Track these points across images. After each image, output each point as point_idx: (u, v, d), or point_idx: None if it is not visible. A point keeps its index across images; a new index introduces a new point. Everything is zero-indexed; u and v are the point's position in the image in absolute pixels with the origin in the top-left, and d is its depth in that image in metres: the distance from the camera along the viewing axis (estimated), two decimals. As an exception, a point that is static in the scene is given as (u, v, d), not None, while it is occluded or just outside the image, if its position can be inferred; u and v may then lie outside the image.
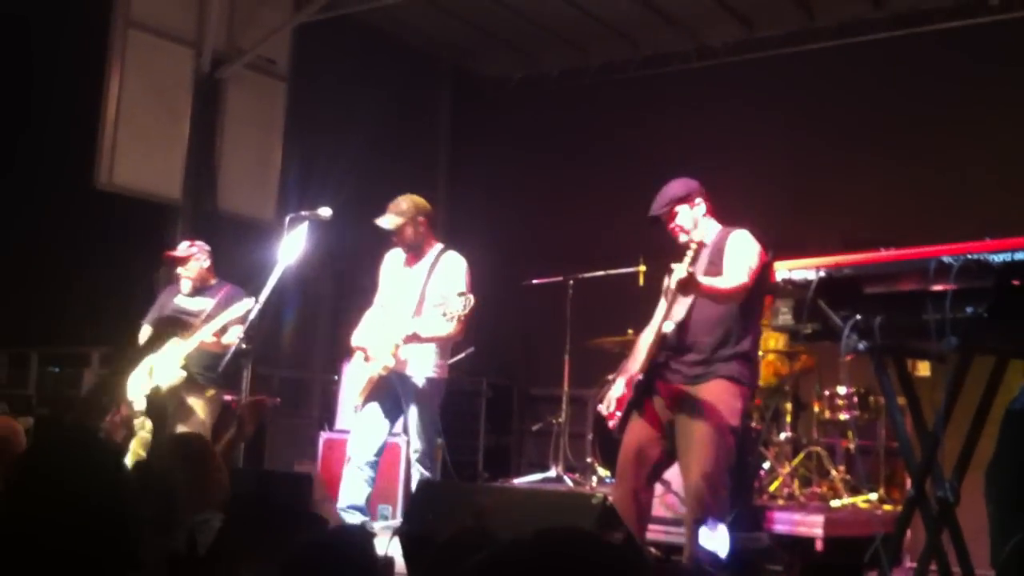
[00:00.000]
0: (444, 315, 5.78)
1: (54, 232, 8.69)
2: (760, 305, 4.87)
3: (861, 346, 3.50)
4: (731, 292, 4.55)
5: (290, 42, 9.68)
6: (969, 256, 3.20)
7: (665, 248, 4.90)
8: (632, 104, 10.60)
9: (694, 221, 4.83)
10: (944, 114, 8.98)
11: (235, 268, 7.00)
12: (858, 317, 3.49)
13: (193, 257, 6.74)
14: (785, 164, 9.62)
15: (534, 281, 8.50)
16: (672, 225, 4.86)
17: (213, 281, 6.77)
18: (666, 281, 4.68)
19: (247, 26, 9.38)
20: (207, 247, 6.83)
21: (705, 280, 4.44)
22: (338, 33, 9.73)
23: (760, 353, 8.26)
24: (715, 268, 4.64)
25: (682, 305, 4.64)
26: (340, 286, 10.13)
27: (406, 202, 6.11)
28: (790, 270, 3.71)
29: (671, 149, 9.78)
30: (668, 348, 4.66)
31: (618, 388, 4.84)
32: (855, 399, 7.79)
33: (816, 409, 8.06)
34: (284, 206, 8.60)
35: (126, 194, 8.66)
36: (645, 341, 4.86)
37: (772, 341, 8.15)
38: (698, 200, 4.89)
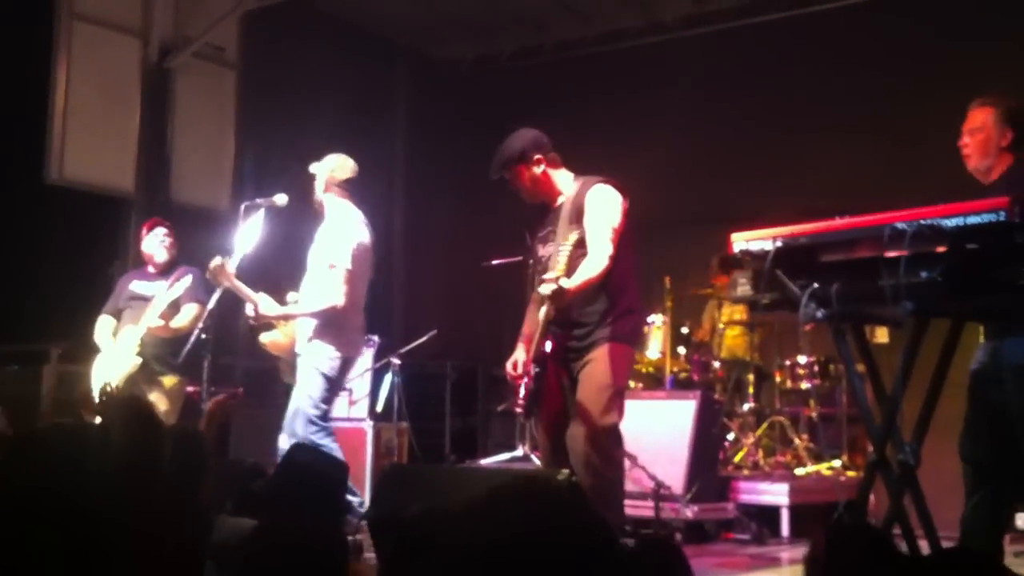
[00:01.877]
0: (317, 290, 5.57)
1: (6, 229, 8.55)
2: (630, 256, 4.71)
3: (819, 314, 3.52)
4: (603, 272, 4.44)
5: (238, 29, 9.57)
6: (922, 222, 3.23)
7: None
8: (586, 81, 10.61)
9: (533, 180, 4.74)
10: (896, 81, 9.05)
11: (192, 258, 6.93)
12: (815, 285, 3.52)
13: (170, 232, 6.73)
14: (740, 136, 9.68)
15: (494, 262, 8.49)
16: (514, 185, 4.77)
17: (172, 267, 6.70)
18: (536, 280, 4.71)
19: (194, 14, 9.27)
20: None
21: (575, 282, 4.32)
22: (287, 19, 9.64)
23: (721, 326, 8.36)
24: (576, 227, 4.54)
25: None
26: (298, 273, 10.06)
27: (325, 159, 5.80)
28: (747, 240, 3.73)
29: (627, 124, 9.82)
30: (555, 324, 4.60)
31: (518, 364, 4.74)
32: (816, 368, 7.89)
33: (778, 379, 8.16)
34: (239, 194, 8.52)
35: (78, 188, 8.56)
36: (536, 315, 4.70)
37: (738, 313, 8.22)
38: (536, 157, 4.73)
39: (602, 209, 4.60)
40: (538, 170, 4.74)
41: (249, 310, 5.62)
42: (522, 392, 4.67)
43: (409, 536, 2.57)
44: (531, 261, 4.96)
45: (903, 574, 2.10)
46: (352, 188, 5.81)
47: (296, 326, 5.66)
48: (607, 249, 4.47)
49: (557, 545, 1.35)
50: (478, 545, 1.35)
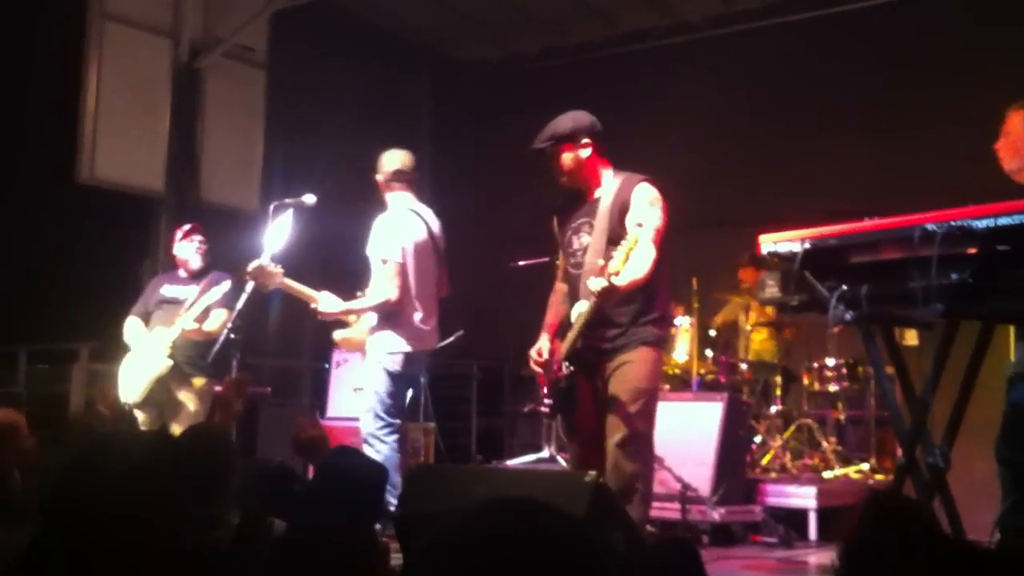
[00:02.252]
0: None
1: (38, 229, 8.64)
2: (665, 258, 4.55)
3: (848, 316, 3.51)
4: (649, 273, 4.33)
5: (267, 30, 9.63)
6: (952, 223, 3.21)
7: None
8: (611, 82, 10.58)
9: (576, 163, 4.61)
10: (923, 81, 8.99)
11: (220, 258, 6.98)
12: (844, 287, 3.50)
13: (205, 238, 6.76)
14: (767, 137, 9.64)
15: (520, 262, 8.48)
16: (554, 162, 4.64)
17: (205, 270, 6.74)
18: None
19: (223, 15, 9.32)
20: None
21: (625, 280, 4.16)
22: (315, 20, 9.69)
23: (748, 327, 8.32)
24: (616, 226, 4.42)
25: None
26: (326, 273, 10.10)
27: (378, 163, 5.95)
28: (775, 242, 3.71)
29: (651, 125, 9.78)
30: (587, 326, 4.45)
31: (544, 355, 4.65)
32: (844, 370, 7.84)
33: (805, 381, 8.11)
34: (268, 195, 8.56)
35: (109, 188, 8.62)
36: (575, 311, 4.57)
37: (763, 316, 8.19)
38: (584, 140, 4.61)
39: (647, 209, 4.49)
40: (584, 154, 4.62)
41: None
42: (546, 389, 4.62)
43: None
44: (559, 251, 4.84)
45: (944, 556, 2.07)
46: (406, 176, 5.92)
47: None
48: (652, 251, 4.35)
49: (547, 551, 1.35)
50: (467, 549, 1.36)
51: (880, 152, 9.04)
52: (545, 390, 4.63)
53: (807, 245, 3.61)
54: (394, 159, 5.90)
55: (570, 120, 4.65)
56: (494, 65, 11.73)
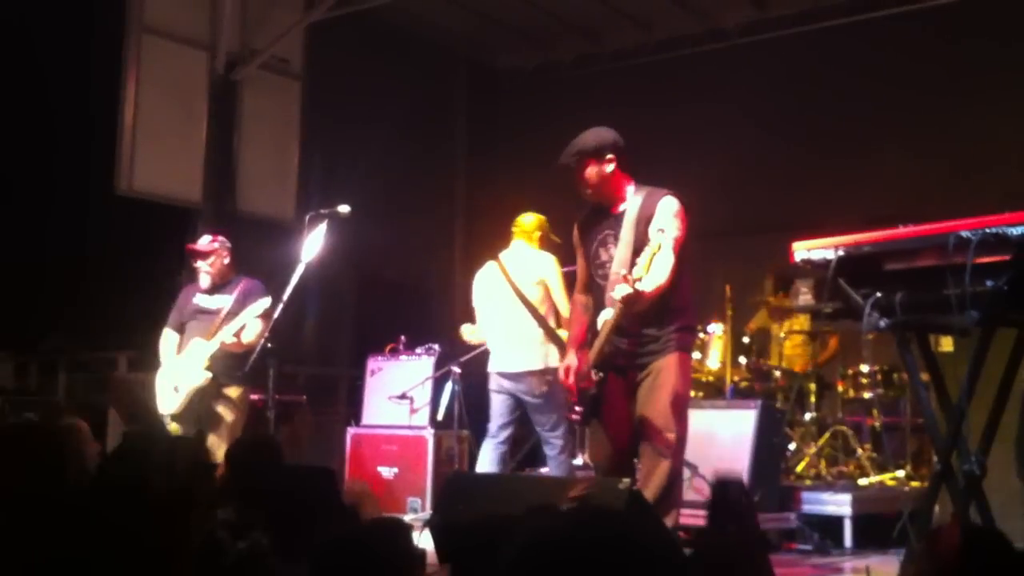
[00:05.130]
0: None
1: (77, 240, 8.74)
2: (690, 271, 4.67)
3: (883, 323, 3.51)
4: (671, 278, 4.39)
5: (303, 41, 9.72)
6: (988, 230, 3.21)
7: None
8: (646, 89, 10.59)
9: (600, 177, 4.70)
10: (961, 87, 8.94)
11: (257, 268, 7.00)
12: (879, 294, 3.50)
13: (215, 252, 6.68)
14: (801, 143, 9.61)
15: (555, 270, 8.49)
16: (580, 177, 4.73)
17: (232, 277, 6.69)
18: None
19: (260, 27, 9.42)
20: (228, 243, 6.77)
21: (649, 285, 4.26)
22: (350, 31, 9.76)
23: (782, 334, 8.30)
24: (641, 237, 4.47)
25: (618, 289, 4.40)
26: (361, 282, 10.18)
27: None
28: (809, 250, 3.72)
29: (687, 133, 9.79)
30: (615, 332, 4.51)
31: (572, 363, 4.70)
32: (879, 377, 7.79)
33: (840, 388, 8.08)
34: (303, 205, 8.64)
35: (147, 199, 8.72)
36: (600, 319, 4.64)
37: (797, 324, 8.17)
38: (608, 156, 4.71)
39: (669, 220, 4.54)
40: (607, 169, 4.71)
41: None
42: (576, 398, 4.64)
43: (471, 542, 2.61)
44: (580, 260, 4.91)
45: None
46: (519, 227, 7.43)
47: None
48: (671, 257, 4.41)
49: (618, 554, 1.37)
50: (539, 552, 1.38)
51: (915, 159, 9.00)
52: (575, 399, 4.65)
53: (841, 252, 3.62)
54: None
55: (593, 136, 4.77)
56: (529, 72, 11.77)
